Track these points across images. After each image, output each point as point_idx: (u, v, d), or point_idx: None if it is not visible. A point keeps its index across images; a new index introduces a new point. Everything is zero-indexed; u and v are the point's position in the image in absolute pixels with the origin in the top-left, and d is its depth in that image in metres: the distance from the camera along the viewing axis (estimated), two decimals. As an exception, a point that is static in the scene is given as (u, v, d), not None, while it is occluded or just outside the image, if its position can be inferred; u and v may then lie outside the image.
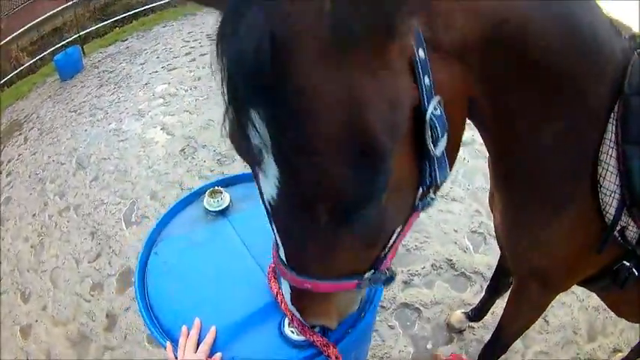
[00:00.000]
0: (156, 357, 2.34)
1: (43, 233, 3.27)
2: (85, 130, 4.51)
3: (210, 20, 0.47)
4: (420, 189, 0.54)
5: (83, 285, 2.79)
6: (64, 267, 2.94)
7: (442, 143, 0.51)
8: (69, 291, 2.77)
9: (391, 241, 0.59)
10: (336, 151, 0.41)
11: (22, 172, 4.16)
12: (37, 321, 2.68)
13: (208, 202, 1.19)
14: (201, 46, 5.67)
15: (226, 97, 0.43)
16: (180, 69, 5.27)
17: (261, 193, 0.53)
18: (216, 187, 1.21)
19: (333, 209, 0.47)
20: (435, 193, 0.57)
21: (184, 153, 3.71)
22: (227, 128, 0.46)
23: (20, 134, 4.99)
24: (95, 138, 4.29)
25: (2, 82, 6.02)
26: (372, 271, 0.61)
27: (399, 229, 0.58)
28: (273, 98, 0.40)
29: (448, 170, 0.56)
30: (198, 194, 1.26)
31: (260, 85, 0.39)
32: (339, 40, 0.38)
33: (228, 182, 1.31)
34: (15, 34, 6.07)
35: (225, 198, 1.21)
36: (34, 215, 3.49)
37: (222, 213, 1.19)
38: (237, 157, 3.47)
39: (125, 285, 2.73)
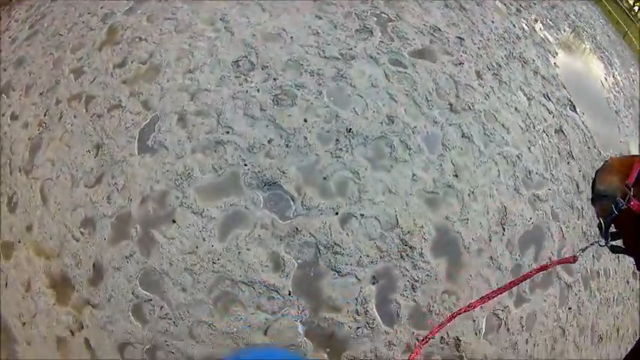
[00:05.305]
0: (137, 334, 1.92)
1: (45, 124, 2.68)
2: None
3: None
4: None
5: (74, 215, 2.30)
6: (57, 181, 2.42)
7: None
8: (58, 217, 2.29)
9: None
10: None
11: (47, 28, 3.39)
12: (20, 242, 2.27)
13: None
14: None
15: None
16: None
17: None
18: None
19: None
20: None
21: (237, 67, 2.78)
22: None
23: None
24: (140, 4, 3.34)
25: None
26: None
27: None
28: None
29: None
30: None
31: None
32: None
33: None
34: None
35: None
36: (41, 94, 2.86)
37: None
38: (298, 102, 2.47)
39: (120, 234, 2.19)
